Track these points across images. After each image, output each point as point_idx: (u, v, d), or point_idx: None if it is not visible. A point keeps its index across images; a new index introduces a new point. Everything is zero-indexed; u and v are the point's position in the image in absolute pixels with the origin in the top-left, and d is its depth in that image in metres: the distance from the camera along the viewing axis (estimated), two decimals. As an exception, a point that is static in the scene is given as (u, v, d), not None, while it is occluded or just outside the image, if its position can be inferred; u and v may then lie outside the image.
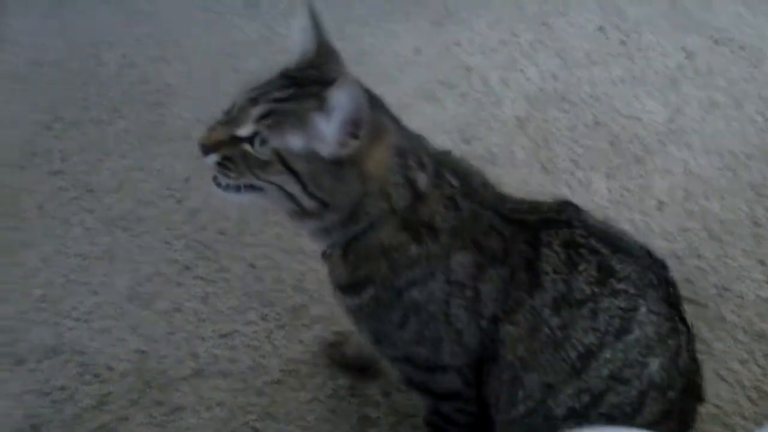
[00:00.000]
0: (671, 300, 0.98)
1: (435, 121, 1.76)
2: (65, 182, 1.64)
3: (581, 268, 0.95)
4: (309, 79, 0.94)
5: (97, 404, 1.31)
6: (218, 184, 0.95)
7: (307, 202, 0.93)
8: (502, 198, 1.03)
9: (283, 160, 0.90)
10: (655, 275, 0.98)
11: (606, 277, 0.95)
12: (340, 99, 0.88)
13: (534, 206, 1.03)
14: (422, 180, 0.97)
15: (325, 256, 1.03)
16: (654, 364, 0.94)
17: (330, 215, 0.96)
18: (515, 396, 0.98)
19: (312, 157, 0.91)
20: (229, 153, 0.92)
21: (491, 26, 2.02)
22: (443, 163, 1.01)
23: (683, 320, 0.99)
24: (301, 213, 0.95)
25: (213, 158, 0.92)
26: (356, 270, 0.99)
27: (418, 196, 0.97)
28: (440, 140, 1.65)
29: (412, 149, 0.98)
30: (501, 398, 1.00)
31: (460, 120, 1.78)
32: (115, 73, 1.89)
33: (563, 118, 1.77)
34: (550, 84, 1.86)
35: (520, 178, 1.63)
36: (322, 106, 0.89)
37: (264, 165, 0.91)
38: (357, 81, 0.89)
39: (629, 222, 1.54)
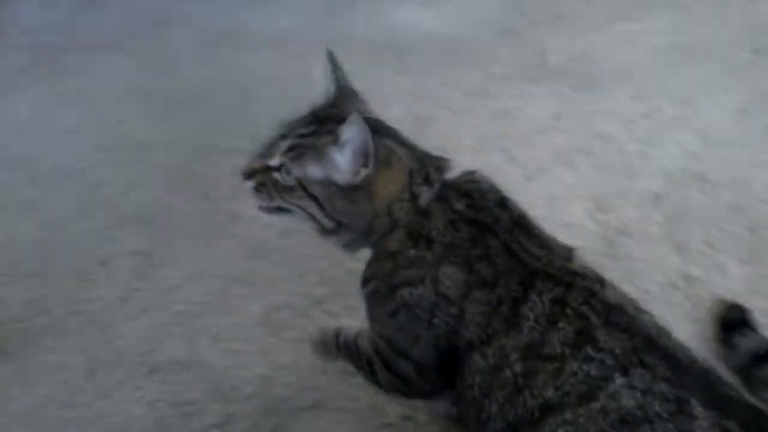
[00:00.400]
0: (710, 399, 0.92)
1: (569, 187, 1.77)
2: (212, 207, 1.73)
3: (560, 326, 0.97)
4: (328, 117, 1.09)
5: (220, 423, 1.37)
6: (260, 208, 1.12)
7: (326, 222, 1.08)
8: (524, 231, 1.08)
9: (303, 186, 1.06)
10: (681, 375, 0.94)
11: (583, 342, 0.96)
12: (349, 134, 1.01)
13: (550, 258, 1.04)
14: (425, 196, 1.09)
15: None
16: None
17: (346, 233, 1.10)
18: (480, 412, 1.02)
19: (329, 184, 1.06)
20: (262, 180, 1.09)
21: (634, 99, 2.03)
22: (456, 186, 1.11)
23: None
24: (323, 231, 1.10)
25: (251, 183, 1.10)
26: (368, 268, 1.14)
27: (419, 211, 1.08)
28: (573, 207, 1.69)
29: (421, 168, 1.10)
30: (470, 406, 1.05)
31: (595, 189, 1.78)
32: (267, 108, 1.99)
33: (701, 199, 1.75)
34: (689, 162, 1.85)
35: (652, 254, 1.62)
36: (336, 141, 1.03)
37: (289, 190, 1.07)
38: (363, 118, 1.00)
39: (763, 312, 1.51)
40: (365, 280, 1.15)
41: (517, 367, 0.97)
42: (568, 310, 0.98)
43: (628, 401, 0.92)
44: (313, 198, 1.07)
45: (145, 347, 1.49)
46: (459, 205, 1.09)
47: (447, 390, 1.12)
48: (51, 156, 1.83)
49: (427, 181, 1.10)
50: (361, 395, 1.40)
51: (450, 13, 2.22)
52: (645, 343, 0.96)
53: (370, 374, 1.23)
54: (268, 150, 1.09)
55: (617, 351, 0.95)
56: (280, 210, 1.11)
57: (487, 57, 2.08)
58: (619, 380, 0.93)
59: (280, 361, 1.46)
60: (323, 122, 1.08)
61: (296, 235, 1.67)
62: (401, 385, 1.19)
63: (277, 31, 2.23)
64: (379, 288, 1.12)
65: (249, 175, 1.10)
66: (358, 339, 1.27)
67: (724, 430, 0.89)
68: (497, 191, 1.12)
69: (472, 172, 1.14)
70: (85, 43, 2.12)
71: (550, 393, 0.95)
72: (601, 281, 1.03)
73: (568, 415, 0.93)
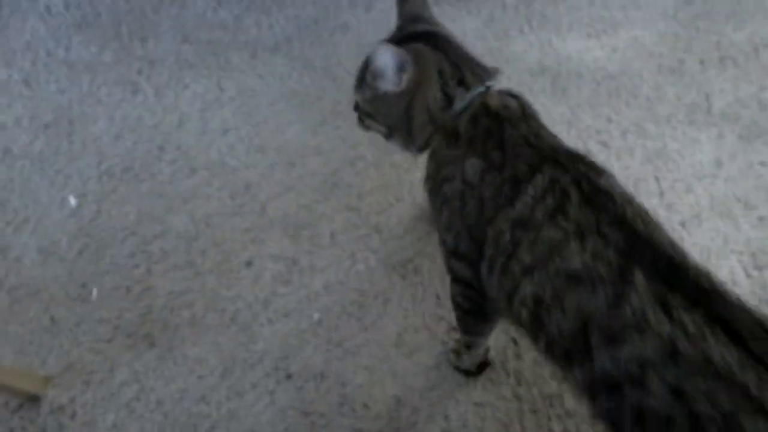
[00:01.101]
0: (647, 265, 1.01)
1: (726, 239, 1.68)
2: (358, 218, 1.74)
3: (546, 200, 1.09)
4: (375, 53, 1.22)
5: (348, 437, 1.38)
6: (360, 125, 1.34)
7: (385, 131, 1.30)
8: (539, 126, 1.21)
9: (360, 107, 1.31)
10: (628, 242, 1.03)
11: (557, 213, 1.08)
12: (380, 61, 1.20)
13: (562, 147, 1.17)
14: (460, 96, 1.22)
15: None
16: (575, 292, 1.04)
17: (400, 136, 1.29)
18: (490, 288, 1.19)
19: (373, 99, 1.27)
20: (358, 111, 1.33)
21: (806, 152, 1.91)
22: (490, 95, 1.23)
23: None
24: (388, 137, 1.30)
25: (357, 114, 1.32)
26: (426, 169, 1.28)
27: (452, 108, 1.22)
28: (727, 260, 1.61)
29: (454, 72, 1.23)
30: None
31: (754, 244, 1.68)
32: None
33: None
34: None
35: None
36: (372, 68, 1.22)
37: (365, 114, 1.31)
38: (389, 44, 1.18)
39: None
40: (424, 183, 1.30)
41: (509, 236, 1.11)
42: (557, 187, 1.09)
43: (576, 263, 1.04)
44: (367, 114, 1.30)
45: (281, 353, 1.51)
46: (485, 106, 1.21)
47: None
48: (207, 152, 1.89)
49: (462, 83, 1.23)
50: (488, 428, 1.38)
51: (615, 46, 2.15)
52: (612, 220, 1.05)
53: (451, 293, 1.36)
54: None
55: (582, 222, 1.06)
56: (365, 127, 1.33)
57: (649, 95, 2.01)
58: (573, 244, 1.05)
59: (411, 384, 1.46)
60: (373, 56, 1.23)
61: (438, 256, 1.66)
62: (469, 292, 1.28)
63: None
64: (431, 188, 1.27)
65: (354, 108, 1.33)
66: None
67: (662, 299, 0.98)
68: (523, 102, 1.24)
69: (510, 90, 1.26)
70: (250, 43, 2.18)
71: (528, 259, 1.09)
72: (601, 171, 1.13)
73: (535, 276, 1.08)
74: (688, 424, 0.94)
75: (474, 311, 1.32)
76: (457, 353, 1.48)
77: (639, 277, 1.00)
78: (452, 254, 1.26)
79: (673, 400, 0.95)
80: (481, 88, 1.22)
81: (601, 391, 1.03)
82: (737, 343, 0.94)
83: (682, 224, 1.69)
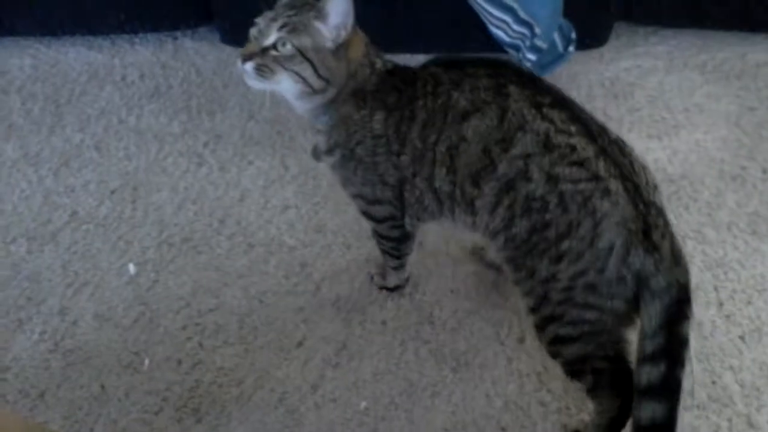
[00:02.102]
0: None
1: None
2: (410, 306, 1.74)
3: (431, 99, 1.40)
4: (300, 4, 1.38)
5: None
6: (250, 79, 1.37)
7: (316, 82, 1.37)
8: (415, 70, 1.47)
9: (302, 53, 1.34)
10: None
11: (437, 96, 1.39)
12: (332, 4, 1.34)
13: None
14: (379, 64, 1.45)
15: (317, 132, 1.50)
16: (471, 124, 1.35)
17: (329, 91, 1.39)
18: (414, 199, 1.49)
19: (319, 48, 1.35)
20: (260, 60, 1.34)
21: None
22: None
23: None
24: (310, 92, 1.38)
25: (250, 65, 1.34)
26: (329, 139, 1.46)
27: (372, 75, 1.44)
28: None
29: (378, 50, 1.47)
30: (411, 205, 1.50)
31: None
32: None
33: None
34: None
35: None
36: (318, 15, 1.35)
37: (289, 59, 1.34)
38: None
39: None
40: (329, 150, 1.48)
41: (420, 144, 1.41)
42: (434, 82, 1.41)
43: (463, 104, 1.36)
44: (309, 61, 1.34)
45: (328, 440, 1.50)
46: (389, 65, 1.47)
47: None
48: (266, 229, 1.92)
49: (378, 53, 1.46)
50: None
51: (676, 148, 2.15)
52: (474, 69, 1.40)
53: (376, 233, 1.64)
54: (262, 33, 1.35)
55: (454, 80, 1.39)
56: (269, 80, 1.36)
57: (710, 200, 1.99)
58: (455, 94, 1.37)
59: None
60: (299, 6, 1.37)
61: (489, 353, 1.65)
62: (395, 223, 1.57)
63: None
64: (343, 153, 1.47)
65: (248, 57, 1.35)
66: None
67: (533, 101, 1.32)
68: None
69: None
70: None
71: (434, 137, 1.39)
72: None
73: (443, 137, 1.38)
74: (557, 201, 1.27)
75: (402, 236, 1.61)
76: (383, 275, 1.76)
77: (511, 88, 1.34)
78: (373, 203, 1.53)
79: (547, 183, 1.28)
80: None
81: (502, 194, 1.33)
82: (591, 139, 1.28)
83: (742, 338, 1.66)
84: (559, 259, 1.29)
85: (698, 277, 1.79)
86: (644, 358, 1.25)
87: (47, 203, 2.00)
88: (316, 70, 1.36)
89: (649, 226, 1.26)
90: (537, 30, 2.14)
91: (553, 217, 1.28)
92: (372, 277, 1.79)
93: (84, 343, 1.68)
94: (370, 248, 1.79)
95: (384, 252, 1.70)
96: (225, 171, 2.08)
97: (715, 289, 1.77)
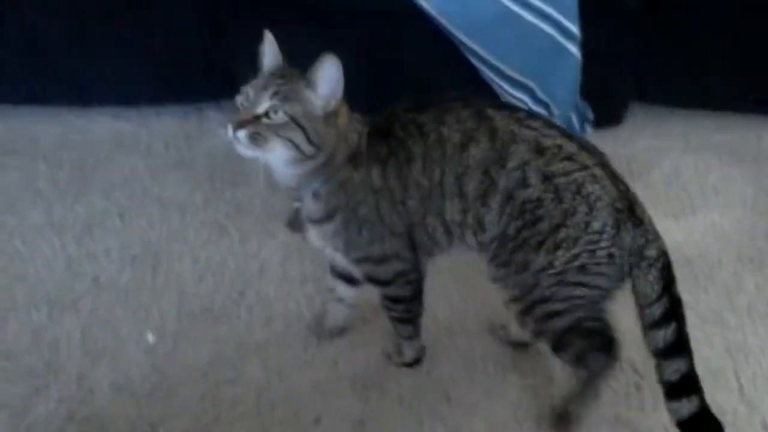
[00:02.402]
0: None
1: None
2: (428, 382, 1.74)
3: (413, 132, 1.50)
4: (287, 73, 1.44)
5: None
6: (242, 147, 1.40)
7: (307, 148, 1.40)
8: (387, 119, 1.54)
9: (294, 120, 1.38)
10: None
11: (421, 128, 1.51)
12: (324, 71, 1.39)
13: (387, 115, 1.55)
14: (359, 126, 1.51)
15: (300, 201, 1.54)
16: (470, 153, 1.47)
17: (319, 157, 1.43)
18: (426, 238, 1.55)
19: (310, 115, 1.40)
20: (253, 127, 1.37)
21: None
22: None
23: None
24: (301, 158, 1.42)
25: (243, 133, 1.37)
26: (328, 204, 1.50)
27: (359, 137, 1.50)
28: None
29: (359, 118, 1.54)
30: (424, 244, 1.56)
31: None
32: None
33: None
34: None
35: None
36: (308, 84, 1.41)
37: (282, 126, 1.38)
38: (335, 58, 1.38)
39: None
40: (328, 216, 1.51)
41: (424, 179, 1.50)
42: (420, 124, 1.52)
43: (457, 135, 1.47)
44: (301, 128, 1.38)
45: None
46: (363, 126, 1.53)
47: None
48: (285, 301, 1.94)
49: (357, 118, 1.52)
50: None
51: (692, 229, 2.17)
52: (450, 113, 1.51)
53: (386, 298, 1.66)
54: (252, 103, 1.39)
55: (455, 118, 1.50)
56: (261, 148, 1.39)
57: (728, 283, 2.00)
58: (444, 129, 1.48)
59: None
60: (287, 76, 1.42)
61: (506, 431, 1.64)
62: (408, 278, 1.60)
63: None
64: (345, 216, 1.50)
65: (241, 125, 1.38)
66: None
67: (516, 119, 1.47)
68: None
69: None
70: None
71: (439, 172, 1.50)
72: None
73: (447, 170, 1.49)
74: (552, 196, 1.42)
75: (413, 292, 1.63)
76: (400, 351, 1.76)
77: (490, 111, 1.48)
78: (380, 262, 1.56)
79: (543, 183, 1.42)
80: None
81: (504, 204, 1.45)
82: (569, 138, 1.48)
83: (764, 425, 1.64)
84: (556, 247, 1.43)
85: (718, 362, 1.78)
86: (654, 324, 1.43)
87: (69, 270, 2.03)
88: (308, 137, 1.40)
89: (632, 203, 1.45)
90: (554, 110, 2.19)
91: (546, 211, 1.43)
92: (389, 357, 1.79)
93: (100, 412, 1.68)
94: (387, 322, 1.79)
95: (396, 321, 1.71)
96: (246, 242, 2.11)
97: (735, 374, 1.76)
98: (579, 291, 1.46)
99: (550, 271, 1.45)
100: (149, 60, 2.39)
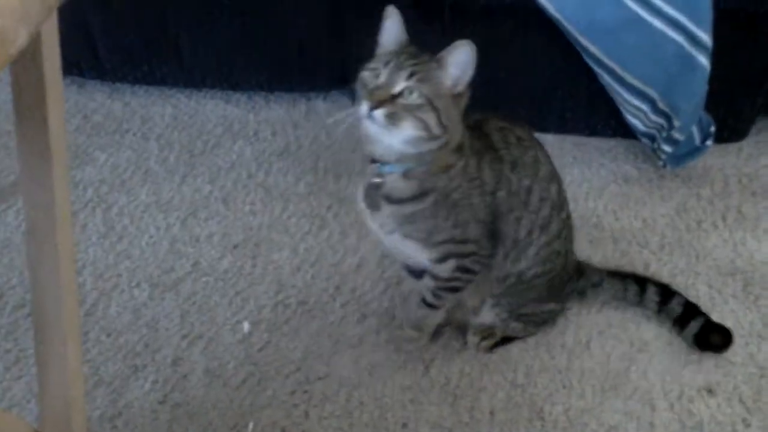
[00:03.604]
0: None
1: None
2: (521, 398, 1.70)
3: (510, 140, 1.61)
4: (419, 54, 1.45)
5: None
6: (375, 126, 1.43)
7: (437, 129, 1.43)
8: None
9: (430, 101, 1.41)
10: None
11: (519, 141, 1.62)
12: (456, 55, 1.41)
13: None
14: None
15: (382, 178, 1.54)
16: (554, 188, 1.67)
17: (443, 138, 1.45)
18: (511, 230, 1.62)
19: (443, 96, 1.43)
20: (391, 107, 1.39)
21: None
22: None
23: None
24: (426, 138, 1.43)
25: (380, 112, 1.39)
26: (423, 184, 1.50)
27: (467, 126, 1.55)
28: None
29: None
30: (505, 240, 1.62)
31: None
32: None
33: None
34: None
35: None
36: (439, 66, 1.43)
37: (417, 107, 1.40)
38: (470, 44, 1.39)
39: None
40: (420, 194, 1.51)
41: (514, 177, 1.59)
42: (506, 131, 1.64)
43: (547, 167, 1.66)
44: (436, 110, 1.40)
45: None
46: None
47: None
48: (380, 300, 1.94)
49: None
50: None
51: (818, 256, 2.03)
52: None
53: (458, 269, 1.63)
54: (388, 83, 1.40)
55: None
56: (391, 125, 1.41)
57: None
58: (540, 153, 1.66)
59: None
60: (418, 56, 1.44)
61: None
62: (480, 258, 1.62)
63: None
64: (437, 199, 1.51)
65: (377, 104, 1.39)
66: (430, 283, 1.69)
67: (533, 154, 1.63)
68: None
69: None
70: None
71: (526, 181, 1.61)
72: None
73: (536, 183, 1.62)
74: (526, 210, 1.60)
75: (480, 268, 1.64)
76: (421, 327, 1.77)
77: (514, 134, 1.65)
78: (462, 242, 1.58)
79: (522, 201, 1.60)
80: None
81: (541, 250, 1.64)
82: (544, 161, 1.65)
83: None
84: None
85: None
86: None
87: (172, 251, 2.06)
88: (439, 119, 1.42)
89: None
90: (676, 122, 2.08)
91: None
92: (409, 343, 1.79)
93: (192, 398, 1.70)
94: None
95: (449, 290, 1.68)
96: (345, 236, 2.10)
97: None
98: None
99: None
100: (265, 49, 2.40)
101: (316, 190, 2.25)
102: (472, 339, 1.79)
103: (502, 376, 1.75)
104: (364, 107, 1.40)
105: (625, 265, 2.02)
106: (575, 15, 1.99)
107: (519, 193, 1.59)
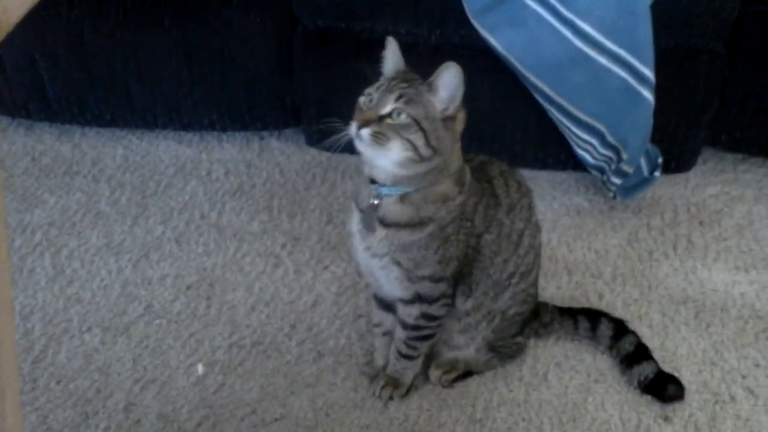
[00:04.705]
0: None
1: None
2: (480, 434, 1.68)
3: (510, 184, 1.65)
4: (409, 77, 1.50)
5: None
6: (363, 144, 1.45)
7: (425, 150, 1.44)
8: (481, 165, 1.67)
9: (417, 122, 1.43)
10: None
11: (518, 187, 1.67)
12: (446, 77, 1.44)
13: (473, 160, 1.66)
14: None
15: (379, 199, 1.53)
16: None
17: (434, 160, 1.46)
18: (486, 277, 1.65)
19: (431, 118, 1.45)
20: (377, 127, 1.43)
21: None
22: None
23: None
24: (417, 160, 1.45)
25: (367, 131, 1.43)
26: (419, 212, 1.51)
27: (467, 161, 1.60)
28: None
29: None
30: (479, 283, 1.64)
31: None
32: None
33: None
34: None
35: None
36: (429, 89, 1.46)
37: (404, 127, 1.43)
38: (457, 66, 1.42)
39: None
40: (416, 223, 1.52)
41: (507, 221, 1.64)
42: (508, 175, 1.68)
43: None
44: (423, 130, 1.43)
45: None
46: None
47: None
48: (337, 337, 1.92)
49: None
50: None
51: (764, 283, 2.07)
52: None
53: (423, 317, 1.64)
54: (377, 104, 1.45)
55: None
56: (379, 147, 1.44)
57: (803, 343, 1.90)
58: (525, 200, 1.68)
59: None
60: (410, 80, 1.48)
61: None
62: (447, 301, 1.63)
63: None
64: (434, 231, 1.52)
65: (365, 123, 1.43)
66: (401, 334, 1.69)
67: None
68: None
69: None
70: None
71: (521, 225, 1.66)
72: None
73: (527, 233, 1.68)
74: (515, 253, 1.65)
75: (445, 312, 1.65)
76: (397, 382, 1.75)
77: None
78: (438, 280, 1.58)
79: (514, 243, 1.65)
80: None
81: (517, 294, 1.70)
82: (534, 211, 1.71)
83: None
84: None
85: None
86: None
87: (124, 294, 2.03)
88: (427, 139, 1.44)
89: None
90: (624, 155, 2.12)
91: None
92: (391, 398, 1.76)
93: (146, 443, 1.66)
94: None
95: (420, 339, 1.69)
96: (300, 274, 2.09)
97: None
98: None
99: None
100: (214, 90, 2.40)
101: (270, 229, 2.24)
102: (435, 373, 1.79)
103: (461, 411, 1.74)
104: (353, 127, 1.45)
105: (579, 296, 2.04)
106: (523, 53, 2.03)
107: (511, 235, 1.62)
